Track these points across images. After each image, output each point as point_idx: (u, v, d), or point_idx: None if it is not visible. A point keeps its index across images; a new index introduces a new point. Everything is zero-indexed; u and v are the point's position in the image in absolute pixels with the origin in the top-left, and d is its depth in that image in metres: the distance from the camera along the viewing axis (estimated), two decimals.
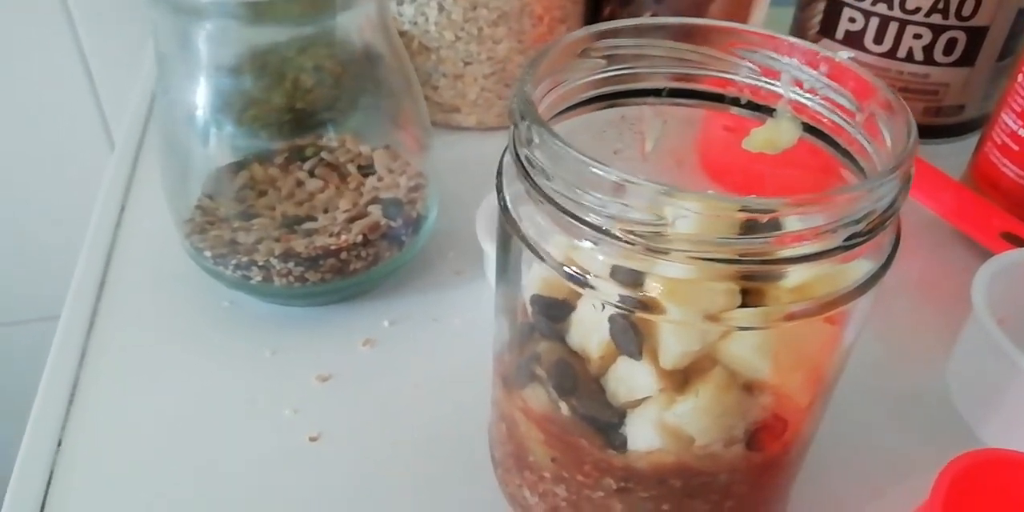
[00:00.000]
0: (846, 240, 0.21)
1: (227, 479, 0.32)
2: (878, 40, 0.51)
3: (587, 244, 0.22)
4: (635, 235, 0.21)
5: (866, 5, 0.50)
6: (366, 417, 0.34)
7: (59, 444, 0.33)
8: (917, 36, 0.50)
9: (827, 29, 0.53)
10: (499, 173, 0.25)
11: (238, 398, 0.34)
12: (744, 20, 0.55)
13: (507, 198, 0.24)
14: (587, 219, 0.21)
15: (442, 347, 0.37)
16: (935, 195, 0.42)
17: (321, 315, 0.38)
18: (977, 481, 0.27)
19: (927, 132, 0.53)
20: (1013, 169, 0.43)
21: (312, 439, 0.33)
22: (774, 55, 0.26)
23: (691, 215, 0.20)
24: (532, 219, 0.23)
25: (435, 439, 0.33)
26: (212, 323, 0.38)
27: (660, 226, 0.20)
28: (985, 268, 0.35)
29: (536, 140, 0.22)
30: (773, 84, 0.27)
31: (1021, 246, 0.39)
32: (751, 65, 0.27)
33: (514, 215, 0.24)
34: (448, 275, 0.41)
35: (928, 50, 0.50)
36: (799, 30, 0.56)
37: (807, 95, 0.26)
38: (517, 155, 0.23)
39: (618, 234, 0.21)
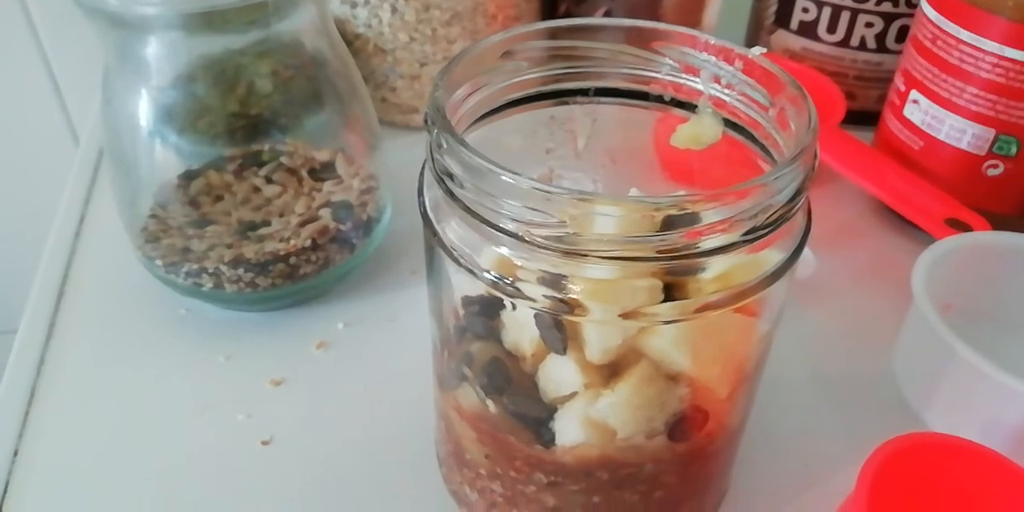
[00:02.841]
0: (746, 233, 0.21)
1: (181, 484, 0.32)
2: (831, 29, 0.51)
3: (504, 249, 0.22)
4: (546, 239, 0.21)
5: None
6: (318, 419, 0.34)
7: (15, 454, 0.33)
8: (869, 25, 0.50)
9: (782, 20, 0.54)
10: (420, 177, 0.25)
11: (192, 404, 0.35)
12: (699, 12, 0.55)
13: (426, 203, 0.24)
14: (501, 225, 0.22)
15: (397, 347, 0.38)
16: (881, 182, 0.42)
17: (277, 319, 0.39)
18: (906, 465, 0.28)
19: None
20: (895, 123, 0.44)
21: (264, 443, 0.33)
22: (693, 52, 0.27)
23: (599, 217, 0.21)
24: (451, 224, 0.23)
25: (386, 439, 0.33)
26: (168, 331, 0.38)
27: (563, 229, 0.21)
28: (925, 255, 0.36)
29: (446, 147, 0.22)
30: (694, 81, 0.27)
31: (965, 231, 0.39)
32: (672, 62, 0.27)
33: (433, 220, 0.24)
34: (404, 275, 0.42)
35: (880, 38, 0.51)
36: (756, 21, 0.57)
37: (725, 91, 0.27)
38: (433, 161, 0.23)
39: (529, 239, 0.21)
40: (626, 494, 0.26)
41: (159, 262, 0.37)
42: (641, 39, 0.27)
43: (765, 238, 0.22)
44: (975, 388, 0.32)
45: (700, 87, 0.27)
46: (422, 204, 0.25)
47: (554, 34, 0.27)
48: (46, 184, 0.57)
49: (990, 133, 0.40)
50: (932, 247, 0.36)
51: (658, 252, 0.21)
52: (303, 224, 0.37)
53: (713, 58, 0.27)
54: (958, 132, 0.41)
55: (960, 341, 0.32)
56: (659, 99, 0.28)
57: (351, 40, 0.50)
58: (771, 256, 0.23)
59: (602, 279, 0.22)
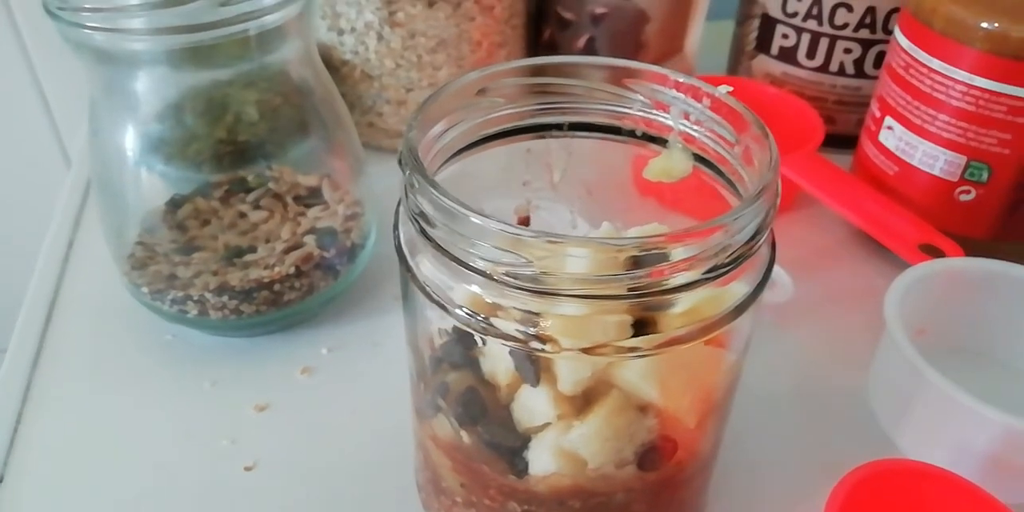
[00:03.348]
0: (707, 272, 0.22)
1: (166, 508, 0.33)
2: (811, 55, 0.52)
3: (475, 288, 0.23)
4: (515, 278, 0.22)
5: (797, 21, 0.52)
6: (301, 445, 0.35)
7: (1, 479, 0.33)
8: (848, 50, 0.51)
9: (763, 45, 0.55)
10: (396, 213, 0.26)
11: (177, 430, 0.35)
12: (681, 38, 0.56)
13: (401, 238, 0.25)
14: (472, 264, 0.22)
15: (380, 372, 0.38)
16: (857, 207, 0.43)
17: (262, 345, 0.40)
18: (875, 491, 0.28)
19: None
20: (871, 149, 0.45)
21: (247, 468, 0.34)
22: (663, 89, 0.28)
23: (568, 257, 0.21)
24: (424, 260, 0.24)
25: (368, 465, 0.34)
26: (154, 357, 0.39)
27: (531, 269, 0.21)
28: (898, 281, 0.36)
29: (418, 187, 0.23)
30: (664, 117, 0.28)
31: (939, 257, 0.40)
32: (643, 99, 0.28)
33: (408, 256, 0.25)
34: (388, 300, 0.42)
35: (859, 64, 0.52)
36: (738, 46, 0.58)
37: (695, 127, 0.27)
38: (407, 200, 0.24)
39: (498, 279, 0.22)
40: None
41: (145, 289, 0.38)
42: (614, 76, 0.28)
43: (729, 274, 0.23)
44: (946, 414, 0.33)
45: (670, 123, 0.28)
46: (396, 238, 0.25)
47: (530, 71, 0.28)
48: (37, 206, 0.58)
49: (962, 159, 0.41)
50: (905, 273, 0.37)
51: (627, 290, 0.22)
52: (288, 251, 0.38)
53: (683, 95, 0.27)
54: (931, 158, 0.42)
55: (931, 367, 0.32)
56: (631, 134, 0.29)
57: (338, 66, 0.51)
58: (737, 289, 0.24)
59: (572, 315, 0.23)
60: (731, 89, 0.26)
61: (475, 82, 0.27)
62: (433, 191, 0.22)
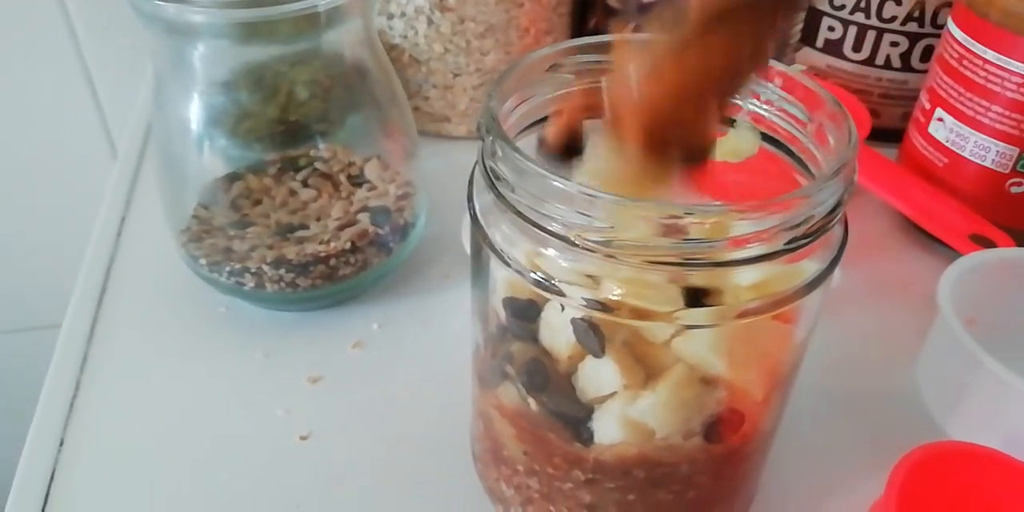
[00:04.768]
0: (788, 243, 0.22)
1: (222, 476, 0.33)
2: (857, 48, 0.52)
3: (551, 251, 0.23)
4: (592, 242, 0.22)
5: (844, 14, 0.52)
6: (354, 416, 0.35)
7: (61, 443, 0.34)
8: (894, 44, 0.51)
9: (808, 38, 0.55)
10: (470, 183, 0.26)
11: (232, 399, 0.36)
12: None
13: (476, 207, 0.25)
14: (549, 228, 0.23)
15: (429, 349, 0.39)
16: (906, 197, 0.43)
17: (313, 319, 0.40)
18: (933, 472, 0.28)
19: None
20: (920, 140, 0.45)
21: (303, 438, 0.34)
22: None
23: (644, 222, 0.22)
24: (499, 227, 0.24)
25: (420, 437, 0.34)
26: (208, 328, 0.39)
27: (611, 233, 0.22)
28: (951, 270, 0.36)
29: (500, 154, 0.23)
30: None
31: (989, 247, 0.40)
32: None
33: (483, 223, 0.25)
34: (437, 279, 0.43)
35: (905, 57, 0.51)
36: (782, 38, 0.58)
37: (764, 106, 0.28)
38: (485, 167, 0.24)
39: (577, 242, 0.22)
40: (661, 493, 0.27)
41: (203, 261, 0.38)
42: None
43: (804, 248, 0.23)
44: (999, 399, 0.33)
45: (739, 102, 0.28)
46: (472, 209, 0.26)
47: (599, 48, 0.28)
48: (89, 184, 0.59)
49: (1014, 151, 0.41)
50: (958, 262, 0.37)
51: (706, 259, 0.22)
52: (342, 227, 0.39)
53: None
54: (982, 150, 0.42)
55: (986, 353, 0.33)
56: None
57: (386, 50, 0.51)
58: (809, 266, 0.24)
59: (646, 282, 0.23)
60: (803, 68, 0.27)
61: (547, 57, 0.28)
62: (516, 155, 0.22)
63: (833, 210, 0.23)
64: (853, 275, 0.41)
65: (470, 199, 0.26)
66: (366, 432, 0.35)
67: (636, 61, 0.23)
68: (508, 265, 0.24)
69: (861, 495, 0.32)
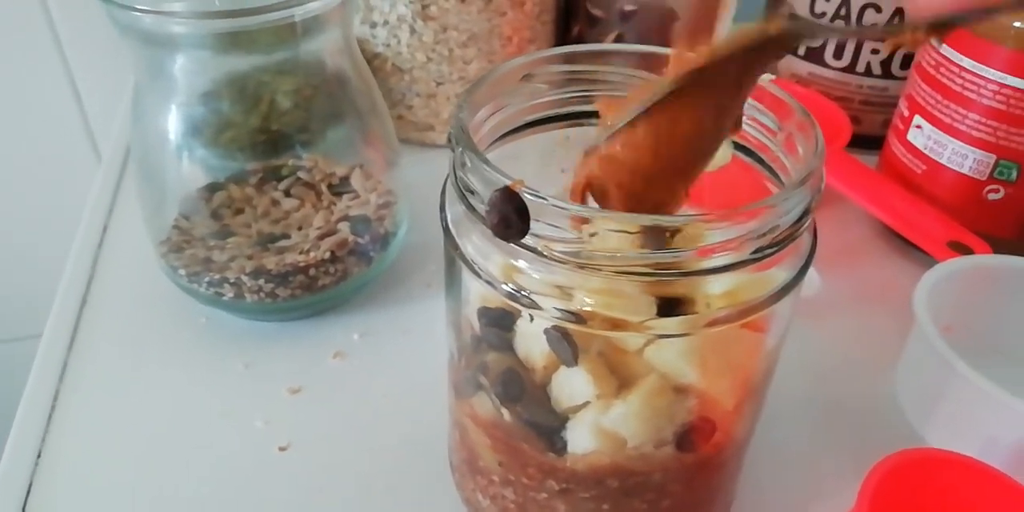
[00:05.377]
0: (755, 252, 0.22)
1: (202, 487, 0.33)
2: (837, 55, 0.53)
3: (522, 263, 0.23)
4: (562, 253, 0.22)
5: (825, 22, 0.52)
6: (333, 427, 0.35)
7: (39, 455, 0.34)
8: (875, 51, 0.52)
9: None
10: (443, 194, 0.26)
11: (212, 411, 0.36)
12: (708, 37, 0.56)
13: (448, 218, 0.25)
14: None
15: (410, 359, 0.39)
16: (885, 205, 0.43)
17: (294, 329, 0.40)
18: (907, 479, 0.28)
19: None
20: (899, 147, 0.45)
21: (281, 449, 0.34)
22: None
23: (611, 234, 0.22)
24: (471, 238, 0.25)
25: (400, 448, 0.34)
26: (189, 339, 0.39)
27: (580, 244, 0.22)
28: (927, 277, 0.37)
29: (469, 165, 0.23)
30: None
31: (967, 254, 0.40)
32: None
33: (454, 234, 0.25)
34: (419, 288, 0.43)
35: (886, 65, 0.52)
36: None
37: None
38: (455, 178, 0.24)
39: (546, 253, 0.22)
40: (635, 502, 0.27)
41: (182, 271, 0.38)
42: (654, 64, 0.29)
43: (772, 257, 0.23)
44: (975, 406, 0.33)
45: None
46: (444, 219, 0.26)
47: (572, 59, 0.29)
48: (70, 194, 0.58)
49: (991, 158, 0.41)
50: (934, 269, 0.37)
51: (673, 268, 0.22)
52: (322, 237, 0.39)
53: None
54: (960, 157, 0.42)
55: (961, 360, 0.33)
56: None
57: (369, 59, 0.51)
58: (778, 274, 0.24)
59: (615, 292, 0.23)
60: (773, 77, 0.27)
61: (520, 67, 0.28)
62: (485, 167, 0.22)
63: (800, 218, 0.23)
64: (832, 282, 0.41)
65: (442, 209, 0.26)
66: (346, 443, 0.35)
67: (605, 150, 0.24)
68: (479, 276, 0.24)
69: (840, 501, 0.33)
